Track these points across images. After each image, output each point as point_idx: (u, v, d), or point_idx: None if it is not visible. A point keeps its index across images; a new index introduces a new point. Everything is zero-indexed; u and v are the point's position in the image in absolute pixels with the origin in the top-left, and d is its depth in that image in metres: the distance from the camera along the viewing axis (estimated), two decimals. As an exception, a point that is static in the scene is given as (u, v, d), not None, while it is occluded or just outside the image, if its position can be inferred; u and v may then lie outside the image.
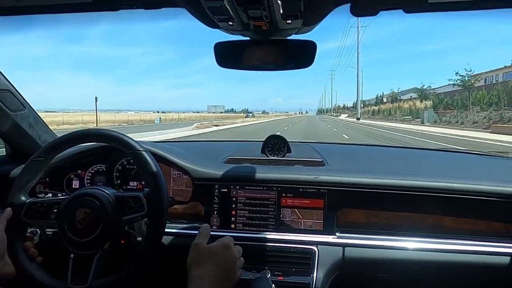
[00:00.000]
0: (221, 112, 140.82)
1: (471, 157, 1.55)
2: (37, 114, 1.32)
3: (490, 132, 17.75)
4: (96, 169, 1.26)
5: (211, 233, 0.83)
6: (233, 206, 1.12)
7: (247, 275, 0.98)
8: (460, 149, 1.67)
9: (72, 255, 0.82)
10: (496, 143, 12.58)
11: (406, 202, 1.08)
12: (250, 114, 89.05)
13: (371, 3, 0.62)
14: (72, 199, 0.83)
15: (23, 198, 0.86)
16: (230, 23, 0.67)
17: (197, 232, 0.82)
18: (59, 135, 1.43)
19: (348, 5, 0.62)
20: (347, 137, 15.62)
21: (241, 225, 1.12)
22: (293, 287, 0.99)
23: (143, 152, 0.87)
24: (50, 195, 0.97)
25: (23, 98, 1.24)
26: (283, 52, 0.77)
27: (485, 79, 35.56)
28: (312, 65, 0.77)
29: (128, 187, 1.24)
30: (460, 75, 29.89)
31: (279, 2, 0.58)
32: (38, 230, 0.95)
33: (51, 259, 0.90)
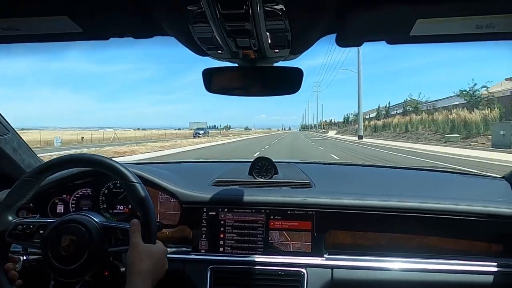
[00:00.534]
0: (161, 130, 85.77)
1: (457, 177, 1.58)
2: (21, 138, 1.30)
3: None
4: (81, 193, 1.22)
5: (199, 257, 0.82)
6: (222, 229, 1.11)
7: None
8: (449, 168, 1.72)
9: (52, 282, 0.79)
10: None
11: (392, 223, 1.09)
12: (201, 132, 49.40)
13: (355, 35, 0.66)
14: (59, 224, 0.81)
15: (10, 218, 0.83)
16: (219, 51, 0.69)
17: (186, 256, 0.80)
18: (40, 158, 1.40)
19: (334, 34, 0.65)
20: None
21: (229, 248, 1.10)
22: None
23: (137, 185, 0.85)
24: (38, 215, 0.93)
25: (6, 122, 1.22)
26: (270, 79, 0.79)
27: None
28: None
29: (114, 211, 1.21)
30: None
31: (267, 33, 0.61)
32: (21, 257, 0.91)
33: (31, 285, 0.87)
